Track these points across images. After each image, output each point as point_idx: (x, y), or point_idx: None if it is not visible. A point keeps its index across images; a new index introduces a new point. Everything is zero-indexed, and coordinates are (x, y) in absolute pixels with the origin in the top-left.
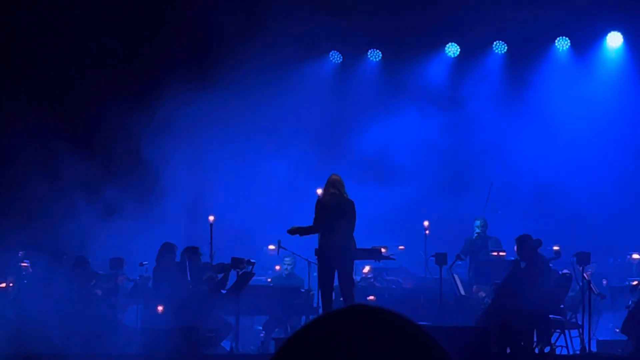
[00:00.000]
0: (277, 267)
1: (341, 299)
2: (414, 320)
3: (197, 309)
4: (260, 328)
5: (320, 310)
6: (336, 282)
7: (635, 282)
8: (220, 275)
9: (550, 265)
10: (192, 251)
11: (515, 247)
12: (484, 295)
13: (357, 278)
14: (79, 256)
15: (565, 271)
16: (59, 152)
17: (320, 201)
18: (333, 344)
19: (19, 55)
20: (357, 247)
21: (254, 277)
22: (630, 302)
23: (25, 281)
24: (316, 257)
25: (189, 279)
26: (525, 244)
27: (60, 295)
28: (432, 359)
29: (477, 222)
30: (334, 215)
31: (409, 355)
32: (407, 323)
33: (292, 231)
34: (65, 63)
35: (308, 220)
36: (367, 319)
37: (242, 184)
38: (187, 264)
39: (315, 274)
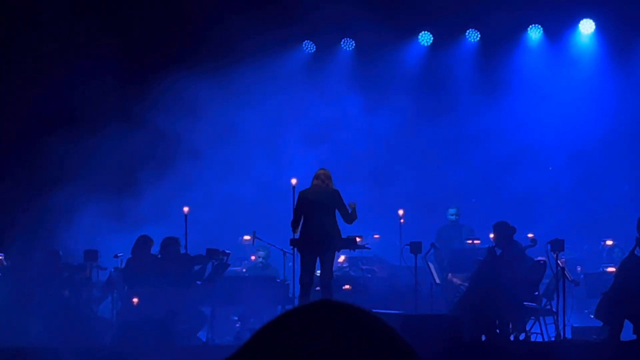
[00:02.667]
0: (253, 258)
1: (317, 288)
2: (378, 316)
3: (172, 301)
4: (236, 318)
5: (296, 302)
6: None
7: (610, 269)
8: (197, 267)
9: (526, 252)
10: (171, 242)
11: (492, 234)
12: (459, 282)
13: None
14: (51, 249)
15: (539, 258)
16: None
17: (300, 194)
18: (298, 339)
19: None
20: None
21: (229, 268)
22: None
23: (0, 274)
24: (294, 247)
25: (166, 269)
26: (502, 230)
27: (33, 288)
28: (397, 353)
29: (451, 210)
30: (314, 207)
31: (374, 350)
32: (372, 319)
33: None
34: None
35: (284, 211)
36: (332, 314)
37: (218, 175)
38: (165, 254)
39: (290, 264)
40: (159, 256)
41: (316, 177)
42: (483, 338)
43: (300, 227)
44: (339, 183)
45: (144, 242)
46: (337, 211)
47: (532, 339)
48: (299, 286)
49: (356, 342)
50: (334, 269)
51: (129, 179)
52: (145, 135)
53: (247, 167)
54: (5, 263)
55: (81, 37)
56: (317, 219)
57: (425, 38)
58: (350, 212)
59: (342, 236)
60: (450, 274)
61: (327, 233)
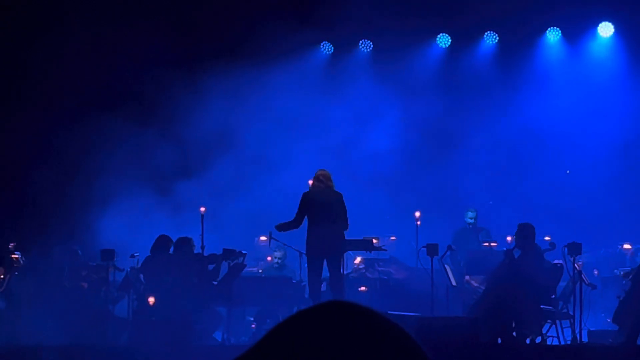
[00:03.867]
0: (269, 258)
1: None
2: (390, 317)
3: (188, 301)
4: (252, 319)
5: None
6: (326, 274)
7: (624, 273)
8: (211, 267)
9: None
10: (184, 242)
11: (509, 237)
12: (476, 285)
13: (348, 269)
14: (71, 248)
15: (556, 261)
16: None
17: (305, 195)
18: (307, 340)
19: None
20: (350, 238)
21: (245, 268)
22: (620, 292)
23: (17, 273)
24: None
25: (180, 270)
26: (527, 231)
27: (51, 286)
28: (409, 355)
29: (470, 214)
30: (320, 209)
31: (385, 351)
32: (383, 320)
33: (279, 227)
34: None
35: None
36: (341, 314)
37: (234, 176)
38: (180, 254)
39: (306, 265)
40: (172, 255)
41: (316, 178)
42: (499, 341)
43: (307, 230)
44: (355, 185)
45: (163, 242)
46: None
47: (549, 343)
48: (309, 288)
49: (366, 343)
50: (349, 270)
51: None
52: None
53: (265, 167)
54: (22, 262)
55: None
56: (324, 221)
57: (443, 40)
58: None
59: (359, 238)
60: (468, 277)
61: (336, 236)
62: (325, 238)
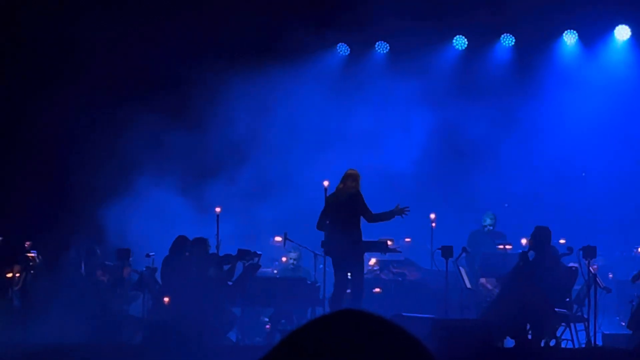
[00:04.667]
0: (284, 259)
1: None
2: (402, 327)
3: (203, 301)
4: (267, 320)
5: (326, 303)
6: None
7: (633, 276)
8: (226, 267)
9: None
10: (200, 242)
11: (530, 236)
12: (490, 287)
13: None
14: (88, 246)
15: (571, 264)
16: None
17: (327, 198)
18: (319, 349)
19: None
20: (364, 239)
21: (260, 269)
22: (634, 297)
23: (32, 271)
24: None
25: (196, 270)
26: (542, 234)
27: (67, 285)
28: None
29: (488, 219)
30: (335, 213)
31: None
32: (396, 329)
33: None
34: None
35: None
36: (354, 324)
37: (249, 177)
38: (195, 255)
39: (321, 266)
40: (188, 256)
41: (342, 179)
42: (513, 343)
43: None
44: (370, 187)
45: (182, 242)
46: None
47: (563, 346)
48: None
49: (379, 352)
50: (365, 272)
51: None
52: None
53: (282, 168)
54: (38, 260)
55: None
56: (338, 225)
57: (459, 42)
58: (380, 213)
59: (373, 239)
60: (483, 280)
61: (348, 240)
62: (333, 241)
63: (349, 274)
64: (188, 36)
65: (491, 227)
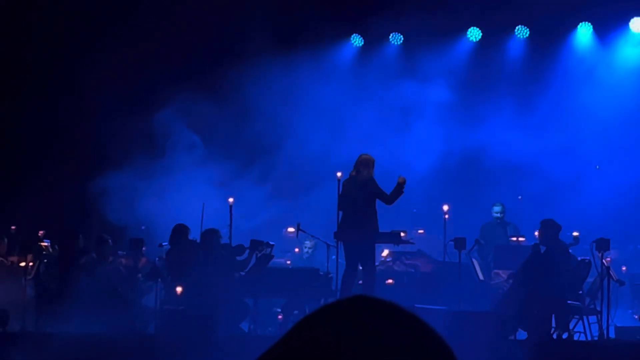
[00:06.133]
0: (297, 250)
1: (360, 282)
2: (415, 313)
3: (215, 291)
4: (279, 310)
5: (338, 294)
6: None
7: None
8: (241, 258)
9: (570, 250)
10: (212, 232)
11: (538, 230)
12: (504, 276)
13: (375, 262)
14: (99, 235)
15: (584, 257)
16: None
17: (343, 183)
18: (332, 334)
19: None
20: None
21: (273, 259)
22: None
23: (45, 260)
24: (337, 240)
25: (208, 260)
26: (549, 227)
27: (78, 274)
28: (434, 352)
29: (496, 208)
30: (348, 201)
31: (409, 347)
32: (409, 316)
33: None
34: None
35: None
36: (367, 310)
37: (262, 168)
38: (207, 245)
39: (334, 257)
40: (199, 246)
41: (355, 165)
42: (526, 336)
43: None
44: (383, 178)
45: (180, 230)
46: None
47: (575, 338)
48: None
49: (391, 338)
50: (377, 263)
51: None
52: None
53: (295, 161)
54: (51, 250)
55: None
56: (351, 213)
57: (474, 34)
58: (391, 192)
59: (386, 231)
60: (495, 270)
61: (360, 229)
62: (348, 230)
63: (359, 264)
64: (215, 29)
65: (500, 216)
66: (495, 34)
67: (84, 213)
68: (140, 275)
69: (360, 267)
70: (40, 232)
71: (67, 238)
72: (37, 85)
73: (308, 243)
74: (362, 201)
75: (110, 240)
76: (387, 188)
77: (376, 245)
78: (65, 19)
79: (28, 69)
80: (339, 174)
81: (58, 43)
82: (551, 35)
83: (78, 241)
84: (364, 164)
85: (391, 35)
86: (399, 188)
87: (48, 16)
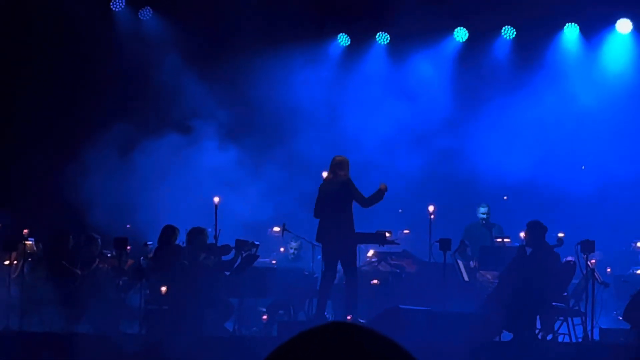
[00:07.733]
0: (282, 249)
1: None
2: (391, 340)
3: (199, 291)
4: (264, 310)
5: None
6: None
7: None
8: (227, 258)
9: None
10: (198, 232)
11: (524, 232)
12: (490, 277)
13: (360, 262)
14: (87, 235)
15: (569, 258)
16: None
17: (319, 187)
18: None
19: None
20: (362, 231)
21: (258, 259)
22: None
23: (30, 259)
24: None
25: (192, 260)
26: (536, 229)
27: (64, 274)
28: None
29: (482, 209)
30: (325, 201)
31: None
32: (385, 342)
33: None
34: None
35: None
36: (343, 338)
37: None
38: (193, 245)
39: (320, 257)
40: (184, 245)
41: (330, 167)
42: (510, 337)
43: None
44: (368, 177)
45: (170, 231)
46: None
47: (560, 340)
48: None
49: None
50: (362, 263)
51: None
52: None
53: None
54: (35, 248)
55: None
56: (327, 216)
57: (460, 34)
58: (370, 196)
59: (371, 231)
60: (481, 271)
61: (337, 231)
62: (326, 231)
63: (339, 266)
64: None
65: (485, 217)
66: (482, 34)
67: (71, 212)
68: (126, 277)
69: (342, 269)
70: (25, 231)
71: (57, 238)
72: (35, 85)
73: (293, 244)
74: (341, 203)
75: (99, 240)
76: (365, 190)
77: (363, 245)
78: (65, 18)
79: (26, 68)
80: (324, 174)
81: (58, 43)
82: (538, 36)
83: (68, 241)
84: (339, 166)
85: (378, 34)
86: (380, 194)
87: (48, 16)
